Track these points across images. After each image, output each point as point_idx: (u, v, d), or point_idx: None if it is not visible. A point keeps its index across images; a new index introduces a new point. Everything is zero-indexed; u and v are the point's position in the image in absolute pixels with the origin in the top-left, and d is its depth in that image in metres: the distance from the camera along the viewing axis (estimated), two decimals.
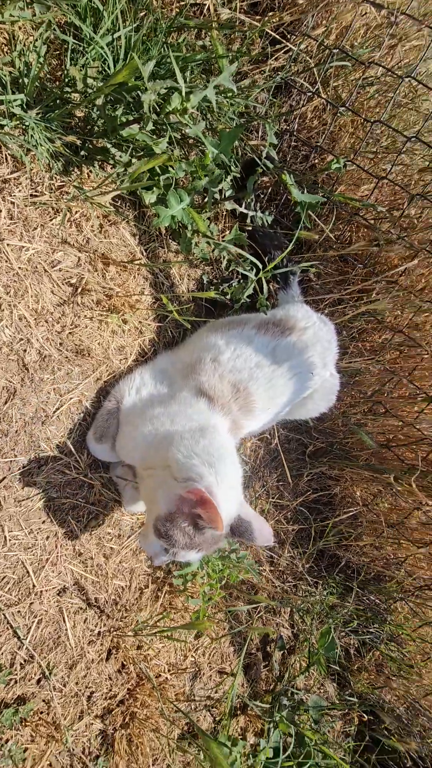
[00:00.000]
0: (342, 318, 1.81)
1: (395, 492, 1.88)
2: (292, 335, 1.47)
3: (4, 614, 1.11)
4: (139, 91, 1.20)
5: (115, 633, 1.36)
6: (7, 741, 1.08)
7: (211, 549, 1.07)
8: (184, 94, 1.11)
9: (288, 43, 1.65)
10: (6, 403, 1.12)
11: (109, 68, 1.20)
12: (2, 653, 1.10)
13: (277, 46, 1.66)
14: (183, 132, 1.45)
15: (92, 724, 1.29)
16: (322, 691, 2.04)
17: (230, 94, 1.39)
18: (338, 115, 1.77)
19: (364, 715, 2.06)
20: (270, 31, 1.62)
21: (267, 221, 1.73)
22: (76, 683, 1.26)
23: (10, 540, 1.12)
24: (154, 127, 1.31)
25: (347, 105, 1.68)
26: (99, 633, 1.32)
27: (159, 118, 1.22)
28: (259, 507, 1.94)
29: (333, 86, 1.83)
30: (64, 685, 1.23)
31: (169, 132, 1.25)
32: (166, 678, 1.52)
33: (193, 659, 1.64)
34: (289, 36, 1.69)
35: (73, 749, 1.24)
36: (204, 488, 0.97)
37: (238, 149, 1.74)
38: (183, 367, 1.39)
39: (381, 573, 2.10)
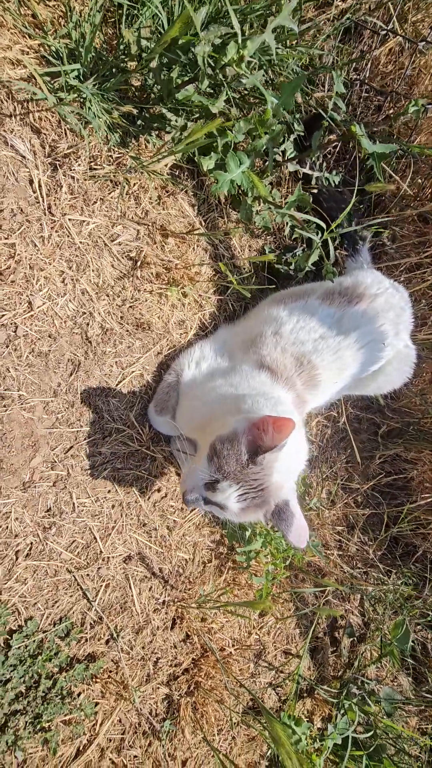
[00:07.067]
0: (420, 285, 1.64)
1: None
2: (361, 303, 1.35)
3: (74, 576, 1.16)
4: (193, 49, 1.14)
5: (179, 603, 1.38)
6: (78, 694, 1.15)
7: (252, 508, 0.98)
8: (240, 40, 1.03)
9: None
10: (71, 375, 1.16)
11: (162, 29, 1.16)
12: (73, 612, 1.17)
13: None
14: (241, 91, 1.37)
15: (158, 688, 1.33)
16: (395, 684, 1.93)
17: (292, 37, 1.27)
18: (418, 54, 1.57)
19: None
20: None
21: (334, 182, 1.60)
22: (143, 648, 1.30)
23: (78, 506, 1.17)
24: (210, 88, 1.25)
25: (428, 39, 1.47)
26: (164, 602, 1.35)
27: (215, 73, 1.15)
28: (326, 489, 1.86)
29: (411, 21, 1.63)
30: (131, 648, 1.27)
31: (226, 89, 1.19)
32: (230, 653, 1.52)
33: (257, 637, 1.62)
34: None
35: (141, 709, 1.29)
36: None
37: (302, 106, 1.62)
38: (243, 341, 1.34)
39: None
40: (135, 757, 1.25)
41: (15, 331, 1.06)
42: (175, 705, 1.37)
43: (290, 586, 1.72)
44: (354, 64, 1.67)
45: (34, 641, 1.07)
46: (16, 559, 1.08)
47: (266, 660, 1.63)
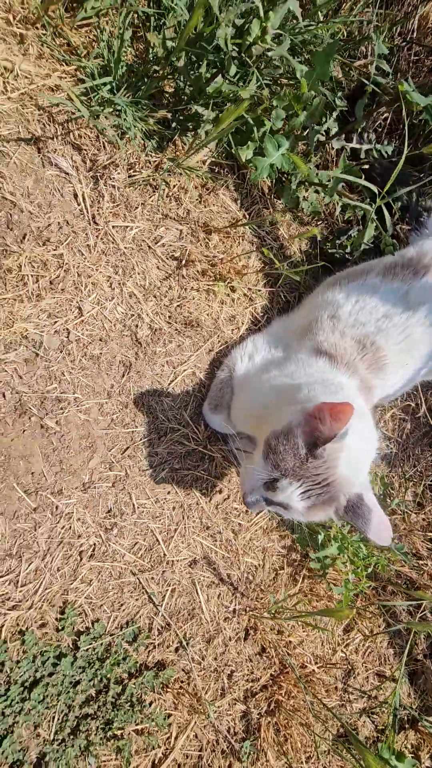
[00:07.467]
0: None
1: None
2: (429, 274, 1.21)
3: (138, 579, 1.15)
4: (217, 41, 1.14)
5: (251, 613, 1.30)
6: (150, 703, 1.11)
7: (319, 505, 0.90)
8: (261, 13, 1.00)
9: None
10: (123, 376, 1.17)
11: (185, 26, 1.17)
12: (140, 616, 1.15)
13: None
14: (274, 76, 1.34)
15: (235, 704, 1.25)
16: None
17: (326, 5, 1.21)
18: None
19: None
20: None
21: (386, 153, 1.48)
22: (215, 659, 1.23)
23: (138, 508, 1.16)
24: (241, 79, 1.23)
25: None
26: (234, 611, 1.28)
27: (240, 56, 1.13)
28: (411, 490, 1.66)
29: None
30: (203, 659, 1.21)
31: (255, 73, 1.16)
32: (313, 671, 1.39)
33: (343, 655, 1.47)
34: None
35: (218, 726, 1.22)
36: None
37: (344, 83, 1.53)
38: (299, 330, 1.27)
39: None
40: None
41: (68, 337, 1.11)
42: (254, 724, 1.27)
43: (377, 598, 1.54)
44: (398, 27, 1.55)
45: (101, 644, 1.06)
46: (81, 559, 1.09)
47: (356, 681, 1.47)
